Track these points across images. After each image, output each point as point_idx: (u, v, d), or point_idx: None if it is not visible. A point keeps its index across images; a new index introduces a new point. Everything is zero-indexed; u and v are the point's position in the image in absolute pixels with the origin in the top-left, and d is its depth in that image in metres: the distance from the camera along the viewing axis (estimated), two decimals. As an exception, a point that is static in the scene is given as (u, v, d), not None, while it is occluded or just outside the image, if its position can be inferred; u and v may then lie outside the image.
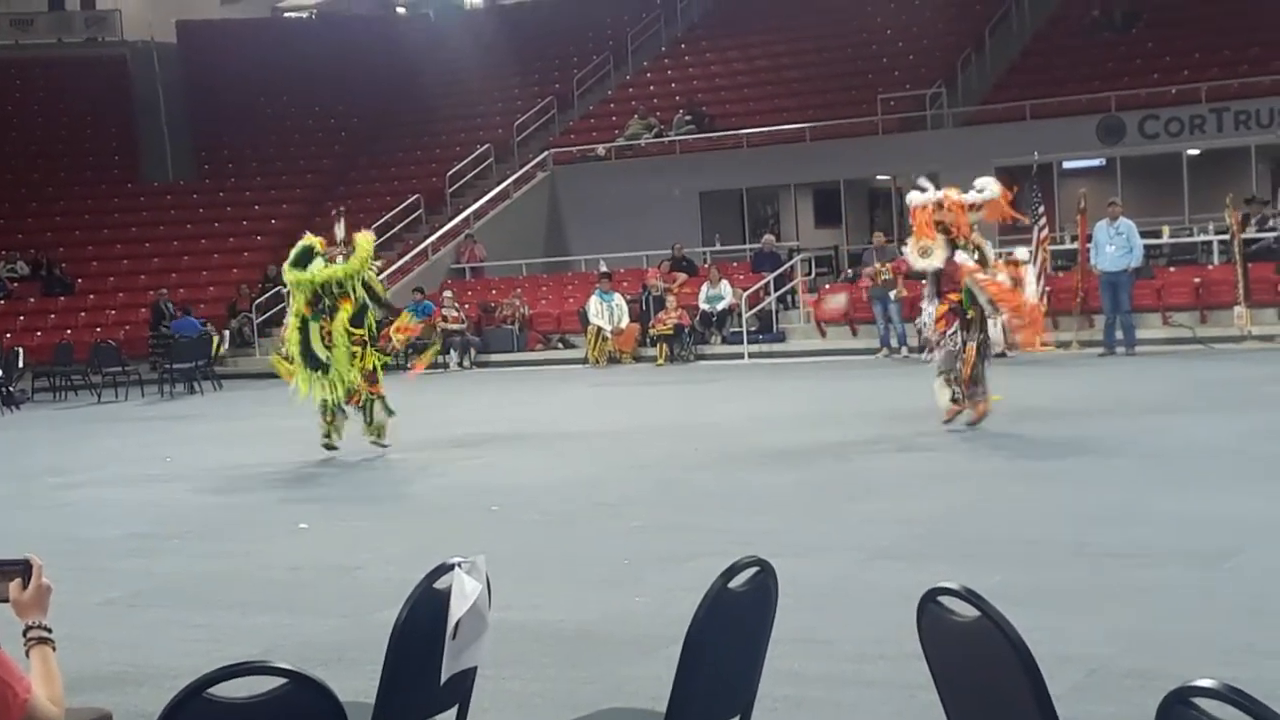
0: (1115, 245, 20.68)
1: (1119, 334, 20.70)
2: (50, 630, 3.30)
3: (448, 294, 27.70)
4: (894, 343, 23.10)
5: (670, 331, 25.06)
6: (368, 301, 13.89)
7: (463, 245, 30.66)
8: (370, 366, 13.90)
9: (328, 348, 13.60)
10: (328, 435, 13.98)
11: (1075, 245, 22.96)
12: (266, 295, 30.50)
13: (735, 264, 27.94)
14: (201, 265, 32.88)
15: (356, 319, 13.79)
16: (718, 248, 29.46)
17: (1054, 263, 23.46)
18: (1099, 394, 16.20)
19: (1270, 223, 23.26)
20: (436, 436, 15.42)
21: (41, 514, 11.78)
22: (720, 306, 25.57)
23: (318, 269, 13.68)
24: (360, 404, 14.00)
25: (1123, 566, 7.48)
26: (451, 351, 26.58)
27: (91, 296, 31.94)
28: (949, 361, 13.35)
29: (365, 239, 14.00)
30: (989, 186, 13.46)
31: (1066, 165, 29.05)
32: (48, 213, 34.34)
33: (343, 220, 14.31)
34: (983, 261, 13.42)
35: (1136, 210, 23.34)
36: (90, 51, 39.08)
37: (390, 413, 14.09)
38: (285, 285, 14.46)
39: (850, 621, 6.74)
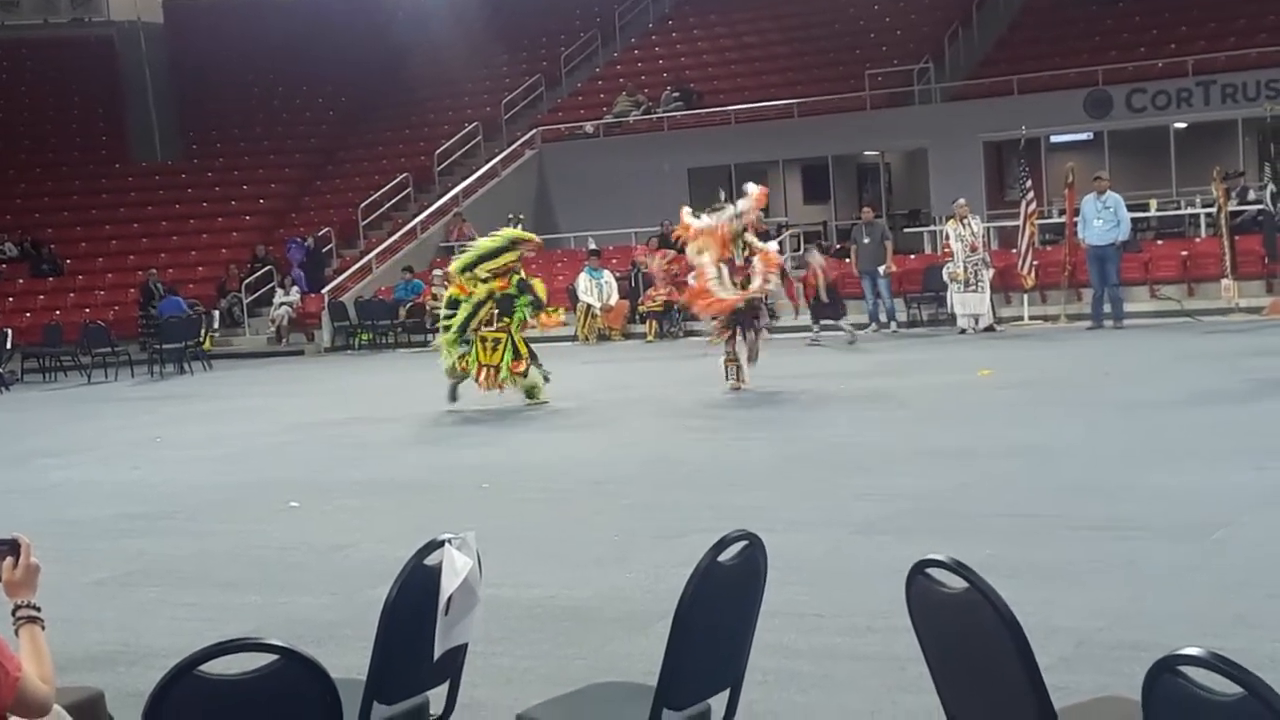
0: (1103, 219, 20.67)
1: (1107, 307, 20.72)
2: (39, 609, 3.31)
3: (437, 273, 27.65)
4: (883, 318, 23.12)
5: (659, 308, 25.06)
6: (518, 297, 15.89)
7: (451, 224, 30.62)
8: (518, 351, 15.66)
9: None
10: (453, 396, 15.70)
11: (1063, 219, 22.97)
12: (256, 275, 30.48)
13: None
14: (190, 245, 32.83)
15: (506, 308, 15.70)
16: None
17: (1042, 236, 23.47)
18: (1085, 368, 16.21)
19: (1250, 194, 23.29)
20: (426, 415, 15.44)
21: (32, 494, 11.78)
22: (709, 283, 25.54)
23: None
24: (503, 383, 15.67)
25: (1110, 540, 7.50)
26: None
27: (80, 277, 31.89)
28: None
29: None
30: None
31: (1054, 139, 29.07)
32: (35, 194, 34.25)
33: (519, 225, 16.91)
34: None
35: (1124, 184, 23.35)
36: (77, 32, 38.88)
37: (540, 372, 15.85)
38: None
39: (840, 595, 6.76)
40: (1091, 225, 20.75)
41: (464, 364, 15.56)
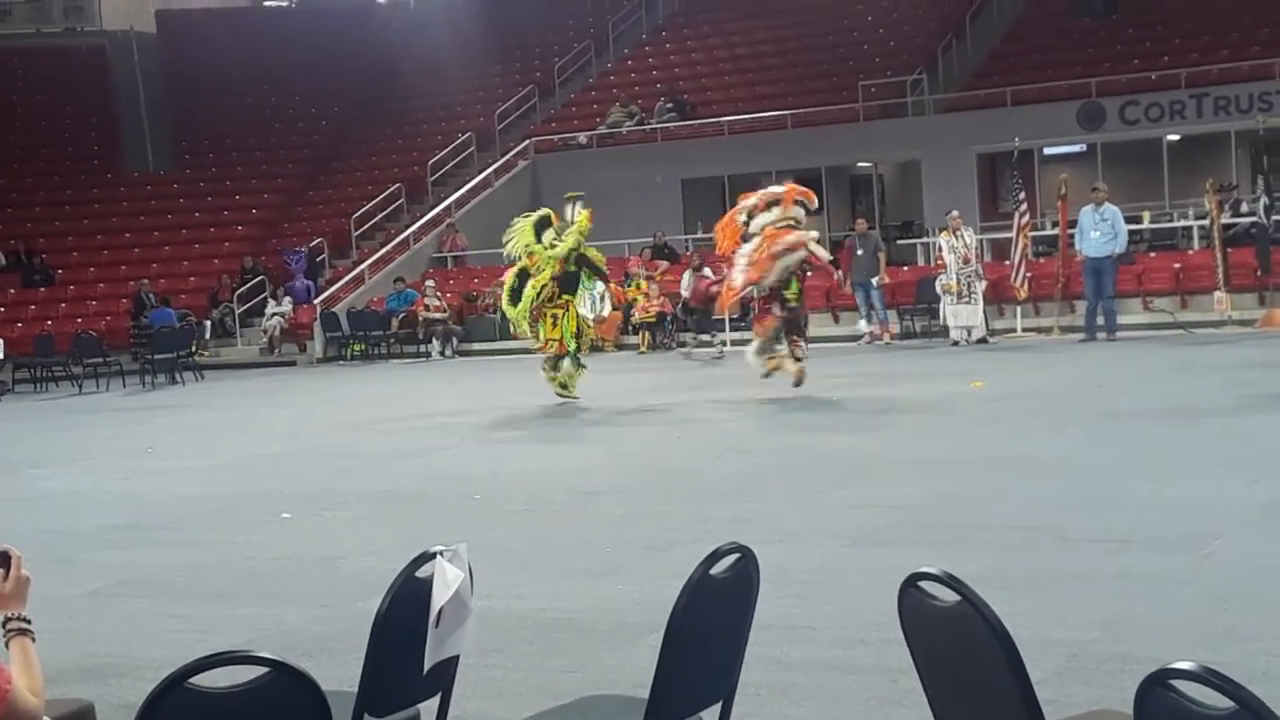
0: (1100, 231, 20.69)
1: (1100, 319, 20.73)
2: (29, 621, 3.29)
3: (430, 283, 27.67)
4: (876, 329, 23.13)
5: (652, 319, 25.07)
6: (581, 272, 16.78)
7: (444, 234, 30.64)
8: (574, 329, 16.53)
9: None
10: (563, 386, 16.62)
11: (1056, 231, 22.99)
12: (248, 285, 30.45)
13: (717, 251, 27.89)
14: (182, 255, 32.82)
15: (568, 286, 16.55)
16: (700, 235, 29.44)
17: (1035, 249, 23.50)
18: (1078, 380, 16.24)
19: (1243, 206, 23.32)
20: (418, 425, 15.42)
21: (22, 505, 11.74)
22: (702, 294, 25.53)
23: (549, 243, 16.26)
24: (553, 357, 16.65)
25: (1102, 552, 7.50)
26: (434, 340, 26.58)
27: (72, 287, 31.88)
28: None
29: (584, 216, 16.66)
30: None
31: (1047, 151, 29.09)
32: (27, 203, 34.21)
33: (576, 204, 16.85)
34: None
35: (1117, 196, 23.35)
36: (69, 41, 38.85)
37: (580, 366, 16.77)
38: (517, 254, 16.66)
39: (832, 607, 6.74)
40: (1088, 237, 20.77)
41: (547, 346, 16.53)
